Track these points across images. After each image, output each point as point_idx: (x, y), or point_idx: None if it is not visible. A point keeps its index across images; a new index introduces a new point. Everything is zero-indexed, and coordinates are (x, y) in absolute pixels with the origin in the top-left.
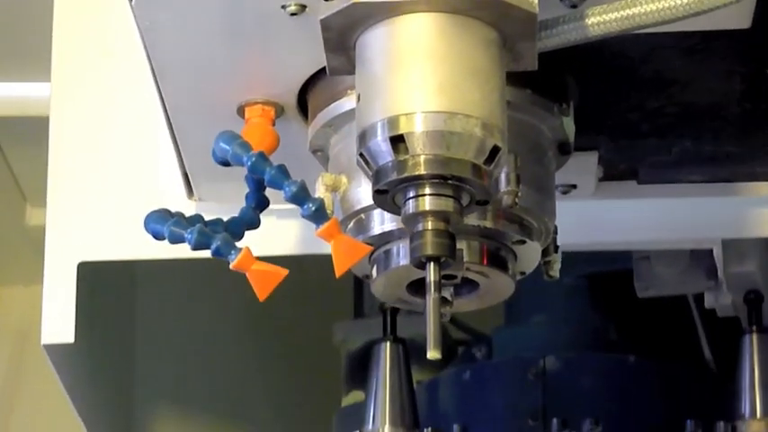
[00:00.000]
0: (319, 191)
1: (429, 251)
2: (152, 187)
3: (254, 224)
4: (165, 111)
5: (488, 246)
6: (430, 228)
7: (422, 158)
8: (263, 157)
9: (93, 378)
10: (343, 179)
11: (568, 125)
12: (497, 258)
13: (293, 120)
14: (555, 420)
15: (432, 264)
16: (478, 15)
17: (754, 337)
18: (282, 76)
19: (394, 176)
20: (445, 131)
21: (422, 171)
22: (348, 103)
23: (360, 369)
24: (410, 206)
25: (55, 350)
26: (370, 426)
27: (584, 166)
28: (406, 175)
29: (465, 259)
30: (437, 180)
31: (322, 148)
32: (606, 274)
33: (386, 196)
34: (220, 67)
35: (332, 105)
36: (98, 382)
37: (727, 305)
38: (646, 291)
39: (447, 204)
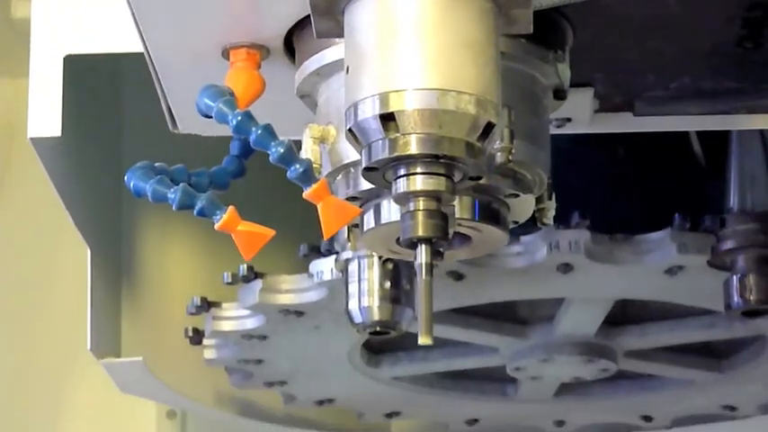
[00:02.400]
0: (306, 143)
1: (420, 232)
2: None
3: (240, 173)
4: (147, 50)
5: (480, 200)
6: (421, 208)
7: (413, 137)
8: (248, 116)
9: (80, 172)
10: (332, 130)
11: (563, 71)
12: (490, 213)
13: (280, 62)
14: None
15: (423, 245)
16: None
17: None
18: (268, 20)
19: (384, 155)
20: (437, 110)
21: (413, 150)
22: (336, 51)
23: None
24: (401, 185)
25: (42, 143)
26: None
27: (579, 100)
28: (396, 154)
29: (457, 215)
30: (429, 159)
31: (309, 94)
32: None
33: (376, 173)
34: (204, 9)
35: (320, 53)
36: (86, 176)
37: None
38: None
39: (439, 183)
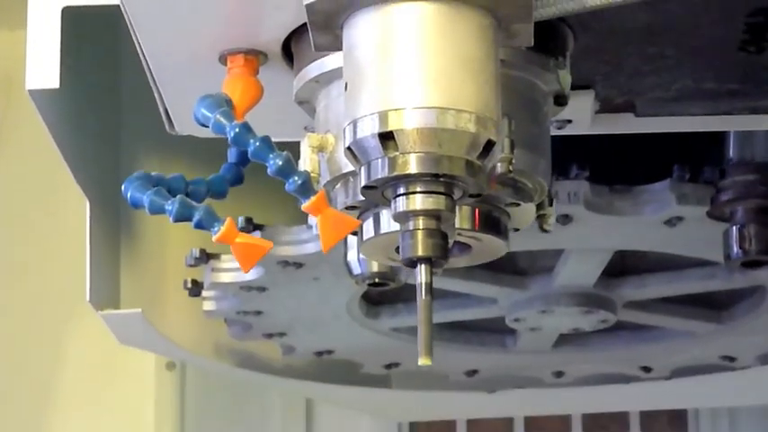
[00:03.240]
0: (305, 152)
1: (420, 252)
2: None
3: (238, 180)
4: (144, 55)
5: (480, 210)
6: (421, 227)
7: (412, 156)
8: (246, 128)
9: (78, 124)
10: (330, 139)
11: (564, 78)
12: (490, 223)
13: (278, 66)
14: None
15: (423, 265)
16: (472, 1)
17: None
18: (266, 26)
19: (384, 174)
20: (437, 128)
21: (412, 170)
22: (336, 59)
23: None
24: (400, 203)
25: (40, 95)
26: None
27: (580, 102)
28: (396, 173)
29: (456, 225)
30: (428, 178)
31: (308, 100)
32: None
33: (375, 191)
34: (201, 15)
35: (319, 61)
36: (84, 128)
37: None
38: None
39: (438, 202)
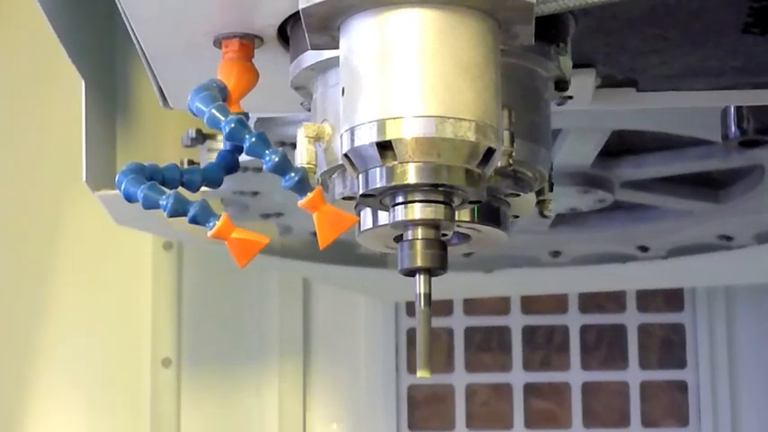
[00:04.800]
0: (301, 142)
1: (419, 263)
2: None
3: (233, 168)
4: (137, 39)
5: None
6: (420, 237)
7: (411, 166)
8: (241, 123)
9: (74, 5)
10: (327, 129)
11: (565, 63)
12: (489, 214)
13: (274, 49)
14: None
15: (422, 275)
16: (471, 4)
17: None
18: (262, 11)
19: (382, 184)
20: (436, 138)
21: (410, 180)
22: None
23: None
24: (399, 212)
25: None
26: None
27: (582, 80)
28: (394, 183)
29: (456, 218)
30: (427, 188)
31: (304, 86)
32: None
33: (373, 198)
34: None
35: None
36: (78, 7)
37: None
38: None
39: (437, 212)
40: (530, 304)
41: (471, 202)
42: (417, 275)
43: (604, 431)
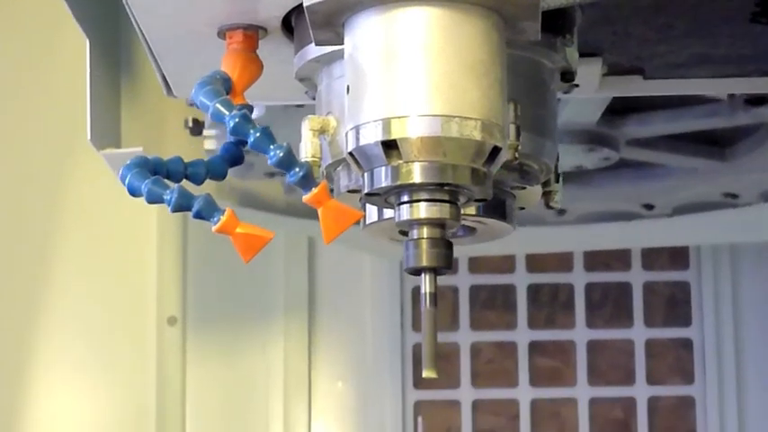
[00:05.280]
0: (306, 135)
1: (425, 262)
2: None
3: (238, 160)
4: (140, 30)
5: None
6: (425, 236)
7: (416, 165)
8: (245, 118)
9: None
10: (332, 122)
11: (572, 54)
12: (494, 207)
13: (278, 39)
14: None
15: (427, 275)
16: (477, 1)
17: None
18: (265, 3)
19: (387, 183)
20: (441, 137)
21: (416, 179)
22: None
23: None
24: (404, 211)
25: None
26: None
27: (588, 69)
28: (399, 183)
29: (460, 201)
30: (432, 187)
31: (309, 77)
32: None
33: (378, 197)
34: None
35: None
36: None
37: None
38: None
39: (443, 211)
40: (535, 262)
41: (477, 200)
42: (423, 275)
43: (609, 389)
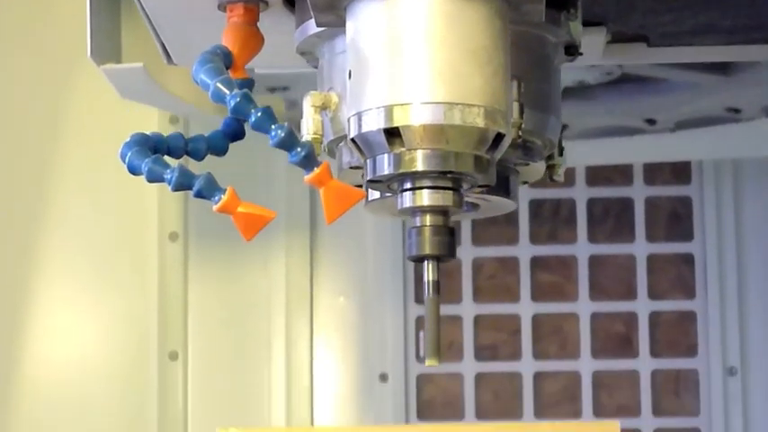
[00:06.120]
0: (308, 111)
1: (428, 250)
2: None
3: (239, 136)
4: (140, 3)
5: None
6: (428, 224)
7: (419, 153)
8: (246, 98)
9: None
10: (333, 98)
11: (576, 28)
12: (498, 183)
13: (279, 12)
14: None
15: (430, 263)
16: None
17: None
18: None
19: (389, 171)
20: (444, 125)
21: (419, 167)
22: None
23: None
24: (407, 198)
25: None
26: None
27: (592, 38)
28: (402, 170)
29: (464, 188)
30: (435, 174)
31: (310, 51)
32: None
33: (381, 183)
34: None
35: None
36: None
37: None
38: None
39: (446, 198)
40: None
41: (480, 187)
42: (426, 263)
43: (611, 303)
